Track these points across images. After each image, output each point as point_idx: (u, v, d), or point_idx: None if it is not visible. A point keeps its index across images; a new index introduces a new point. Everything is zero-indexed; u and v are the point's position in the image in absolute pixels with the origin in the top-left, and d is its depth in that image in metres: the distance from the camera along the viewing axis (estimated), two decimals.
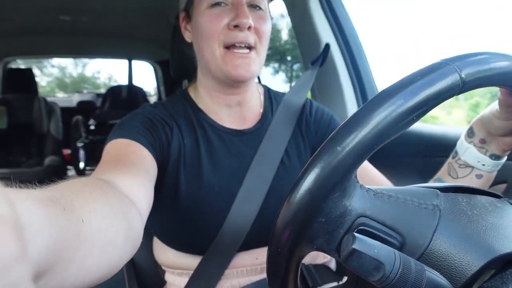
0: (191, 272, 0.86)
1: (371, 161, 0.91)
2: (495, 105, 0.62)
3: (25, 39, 3.33)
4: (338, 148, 0.36)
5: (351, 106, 1.42)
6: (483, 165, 0.67)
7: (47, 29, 3.08)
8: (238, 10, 0.79)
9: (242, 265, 0.87)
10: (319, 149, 0.37)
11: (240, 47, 0.81)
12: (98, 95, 5.44)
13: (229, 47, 0.80)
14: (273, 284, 0.43)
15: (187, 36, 0.90)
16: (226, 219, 0.83)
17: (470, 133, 0.69)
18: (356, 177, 0.39)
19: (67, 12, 2.62)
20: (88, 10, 2.60)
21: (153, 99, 4.88)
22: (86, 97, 5.57)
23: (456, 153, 0.71)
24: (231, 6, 0.80)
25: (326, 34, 1.44)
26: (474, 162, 0.68)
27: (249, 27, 0.80)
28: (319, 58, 1.38)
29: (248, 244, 0.85)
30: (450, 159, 0.72)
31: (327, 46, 1.41)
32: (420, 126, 1.25)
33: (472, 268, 0.38)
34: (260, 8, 0.84)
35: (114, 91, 4.53)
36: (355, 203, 0.38)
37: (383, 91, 0.37)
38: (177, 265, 0.90)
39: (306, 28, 1.48)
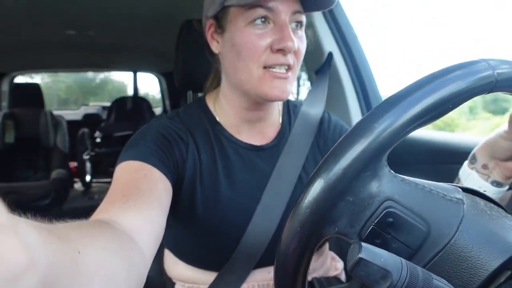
0: (202, 286, 0.85)
1: None
2: (501, 128, 0.62)
3: (32, 54, 3.36)
4: (375, 125, 0.36)
5: (355, 114, 1.42)
6: (485, 191, 0.65)
7: (53, 44, 3.11)
8: (284, 32, 0.73)
9: (254, 280, 0.86)
10: (353, 126, 0.38)
11: (280, 69, 0.76)
12: (104, 107, 5.46)
13: (267, 67, 0.76)
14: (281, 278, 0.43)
15: (215, 47, 0.83)
16: (243, 236, 0.81)
17: (473, 160, 0.67)
18: (386, 160, 0.39)
19: (73, 27, 2.65)
20: (93, 25, 2.62)
21: (158, 110, 4.89)
22: (91, 109, 5.60)
23: (459, 180, 0.69)
24: (273, 25, 0.74)
25: (329, 43, 1.44)
26: (476, 188, 0.67)
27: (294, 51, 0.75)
28: (324, 67, 1.39)
29: (264, 261, 0.84)
30: None
31: (330, 54, 1.41)
32: (431, 133, 1.25)
33: (493, 263, 0.37)
34: (301, 26, 0.79)
35: (119, 103, 4.56)
36: (384, 186, 0.38)
37: (424, 77, 0.39)
38: (188, 279, 0.89)
39: (309, 37, 1.49)
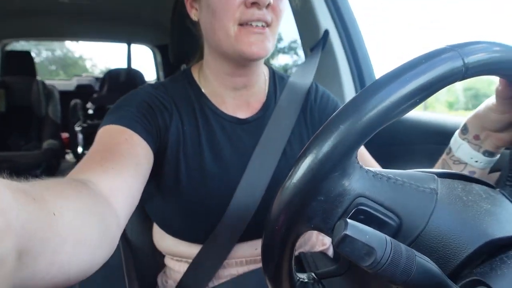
0: (189, 260, 0.86)
1: (368, 147, 0.91)
2: (491, 100, 0.62)
3: (24, 21, 3.30)
4: (341, 126, 0.36)
5: (349, 92, 1.42)
6: (476, 161, 0.66)
7: (46, 12, 3.06)
8: None
9: (242, 256, 0.87)
10: (321, 127, 0.38)
11: (256, 25, 0.75)
12: (97, 79, 5.40)
13: (243, 24, 0.75)
14: (268, 267, 0.44)
15: (194, 14, 0.84)
16: (227, 209, 0.81)
17: (464, 130, 0.68)
18: (356, 157, 0.39)
19: None
20: None
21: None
22: (84, 80, 5.53)
23: (450, 149, 0.70)
24: None
25: (325, 21, 1.43)
26: (467, 159, 0.67)
27: (268, 5, 0.75)
28: (319, 44, 1.38)
29: (248, 234, 0.84)
30: (444, 155, 0.72)
31: (326, 32, 1.41)
32: (419, 114, 1.26)
33: (465, 251, 0.39)
34: None
35: (113, 75, 4.50)
36: (355, 183, 0.39)
37: (387, 73, 0.38)
38: (175, 253, 0.89)
39: (305, 15, 1.48)
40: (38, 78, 3.66)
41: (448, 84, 0.39)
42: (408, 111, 0.38)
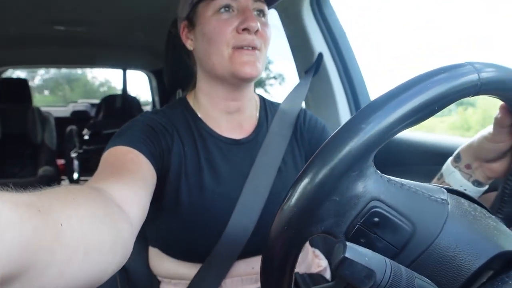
0: (188, 282, 0.86)
1: None
2: (486, 130, 0.63)
3: (19, 49, 3.32)
4: (362, 125, 0.37)
5: (344, 115, 1.43)
6: (465, 190, 0.67)
7: (42, 39, 3.08)
8: (246, 14, 0.81)
9: (238, 274, 0.87)
10: (341, 126, 0.38)
11: (247, 48, 0.83)
12: (93, 105, 5.42)
13: (235, 48, 0.82)
14: (267, 285, 0.43)
15: (189, 44, 0.91)
16: (226, 227, 0.83)
17: (457, 158, 0.69)
18: (372, 161, 0.39)
19: (61, 23, 2.62)
20: (82, 21, 2.60)
21: (147, 108, 4.87)
22: (80, 107, 5.55)
23: (442, 175, 0.71)
24: (237, 12, 0.83)
25: (319, 44, 1.45)
26: (457, 186, 0.68)
27: (257, 31, 0.82)
28: (313, 67, 1.39)
29: (246, 252, 0.85)
30: (435, 180, 0.73)
31: (320, 55, 1.42)
32: (420, 135, 1.26)
33: (477, 262, 0.38)
34: (264, 15, 0.87)
35: (108, 101, 4.52)
36: (370, 185, 0.39)
37: (408, 80, 0.39)
38: (174, 275, 0.89)
39: (299, 38, 1.50)
40: (34, 105, 3.67)
41: (462, 98, 0.40)
42: (424, 120, 0.39)
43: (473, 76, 0.39)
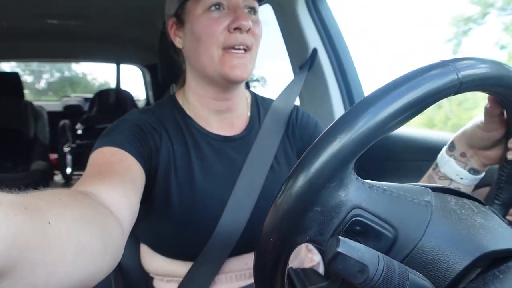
0: (180, 279, 0.86)
1: (358, 162, 0.91)
2: (478, 118, 0.63)
3: (12, 43, 3.29)
4: (338, 136, 0.36)
5: (338, 110, 1.43)
6: (461, 178, 0.67)
7: (35, 33, 3.05)
8: (238, 13, 0.79)
9: (231, 271, 0.87)
10: (318, 137, 0.38)
11: (238, 49, 0.80)
12: (86, 99, 5.38)
13: (226, 48, 0.80)
14: (260, 282, 0.43)
15: (178, 42, 0.88)
16: (218, 225, 0.83)
17: (451, 147, 0.69)
18: (353, 168, 0.39)
19: (55, 16, 2.60)
20: (76, 15, 2.58)
21: (141, 103, 4.84)
22: (73, 101, 5.51)
23: (437, 165, 0.71)
24: (228, 10, 0.80)
25: (313, 39, 1.45)
26: (453, 175, 0.68)
27: (248, 29, 0.80)
28: (307, 63, 1.39)
29: (238, 249, 0.85)
30: (430, 171, 0.73)
31: (315, 51, 1.42)
32: (412, 130, 1.27)
33: (461, 264, 0.38)
34: (255, 12, 0.85)
35: (102, 96, 4.49)
36: (351, 194, 0.39)
37: (384, 85, 0.38)
38: (166, 272, 0.89)
39: (294, 33, 1.50)
40: (27, 99, 3.64)
41: (442, 98, 0.39)
42: (403, 124, 0.38)
43: (452, 77, 0.39)
